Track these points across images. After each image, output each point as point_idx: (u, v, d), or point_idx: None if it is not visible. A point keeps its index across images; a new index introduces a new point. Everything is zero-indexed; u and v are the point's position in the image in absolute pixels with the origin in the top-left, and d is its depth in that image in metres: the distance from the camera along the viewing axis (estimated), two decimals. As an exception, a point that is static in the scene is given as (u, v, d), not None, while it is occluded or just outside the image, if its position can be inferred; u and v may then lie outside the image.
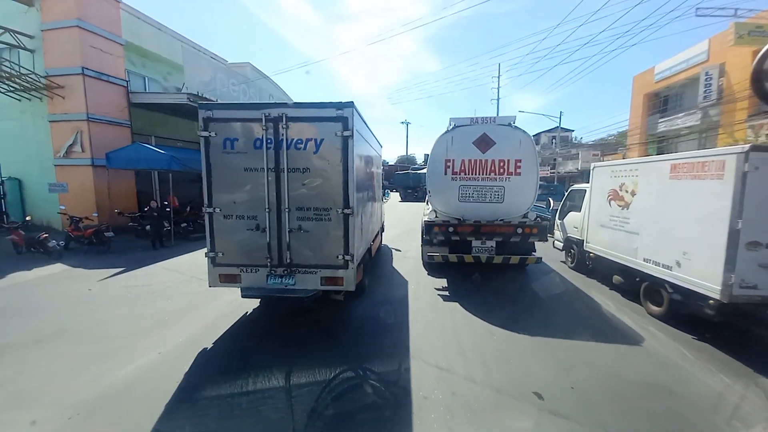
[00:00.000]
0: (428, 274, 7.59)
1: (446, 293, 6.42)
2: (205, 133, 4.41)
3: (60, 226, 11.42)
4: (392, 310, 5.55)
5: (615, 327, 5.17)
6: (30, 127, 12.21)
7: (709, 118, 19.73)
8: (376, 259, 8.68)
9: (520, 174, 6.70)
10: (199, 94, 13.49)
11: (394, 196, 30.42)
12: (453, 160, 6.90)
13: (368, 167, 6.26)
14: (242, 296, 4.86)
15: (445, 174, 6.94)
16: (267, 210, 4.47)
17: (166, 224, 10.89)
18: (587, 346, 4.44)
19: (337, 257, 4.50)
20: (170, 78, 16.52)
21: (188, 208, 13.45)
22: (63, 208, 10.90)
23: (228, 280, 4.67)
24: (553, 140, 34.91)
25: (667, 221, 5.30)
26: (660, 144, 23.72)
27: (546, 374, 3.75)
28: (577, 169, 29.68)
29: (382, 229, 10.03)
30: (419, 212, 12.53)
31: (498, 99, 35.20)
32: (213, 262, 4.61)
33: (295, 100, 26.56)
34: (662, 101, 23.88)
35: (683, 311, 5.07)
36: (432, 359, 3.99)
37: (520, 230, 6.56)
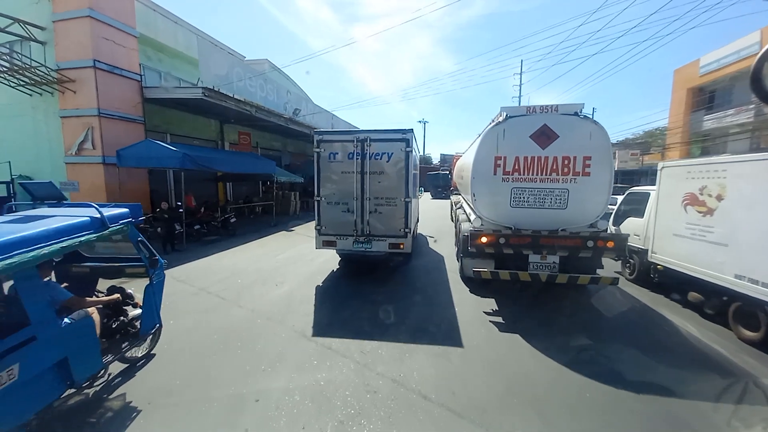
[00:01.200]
0: (470, 291, 6.50)
1: (500, 320, 5.29)
2: (318, 150, 6.64)
3: (69, 227, 10.81)
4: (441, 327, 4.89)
5: (718, 366, 4.09)
6: (41, 124, 11.68)
7: (765, 116, 17.91)
8: (416, 246, 10.21)
9: (589, 174, 5.45)
10: (215, 89, 12.77)
11: (426, 195, 30.72)
12: (504, 158, 5.73)
13: (415, 170, 7.86)
14: (338, 254, 7.68)
15: (495, 174, 5.76)
16: (355, 199, 6.64)
17: (178, 226, 10.14)
18: (710, 410, 3.26)
19: (400, 230, 6.62)
20: (177, 72, 15.82)
21: (202, 209, 12.74)
22: (70, 208, 10.28)
23: (328, 244, 6.90)
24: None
25: None
26: (704, 143, 21.82)
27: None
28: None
29: (418, 219, 11.24)
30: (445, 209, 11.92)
31: (520, 96, 33.75)
32: (319, 232, 6.85)
33: (309, 96, 25.89)
34: (708, 97, 21.92)
35: None
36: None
37: (591, 243, 5.35)
